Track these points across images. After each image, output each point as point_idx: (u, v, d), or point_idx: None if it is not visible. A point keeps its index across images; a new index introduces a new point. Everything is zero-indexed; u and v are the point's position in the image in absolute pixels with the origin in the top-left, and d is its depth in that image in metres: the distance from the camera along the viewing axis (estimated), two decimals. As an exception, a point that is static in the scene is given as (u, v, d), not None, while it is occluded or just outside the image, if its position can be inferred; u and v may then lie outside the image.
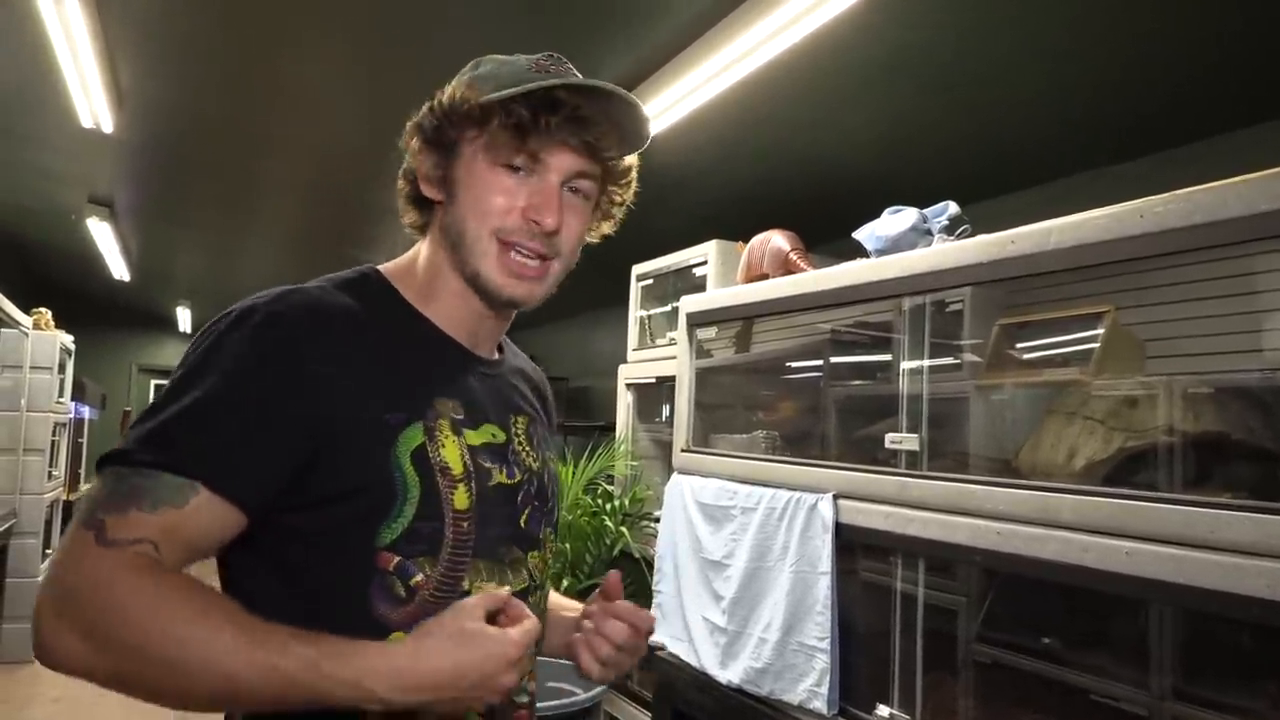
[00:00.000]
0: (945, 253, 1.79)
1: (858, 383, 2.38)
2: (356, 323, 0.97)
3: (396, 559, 0.93)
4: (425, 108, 1.02)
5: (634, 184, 1.13)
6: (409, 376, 0.99)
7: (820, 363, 2.44)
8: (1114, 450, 1.65)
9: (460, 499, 0.97)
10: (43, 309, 5.75)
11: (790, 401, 2.61)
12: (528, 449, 1.11)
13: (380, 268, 1.08)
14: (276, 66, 2.89)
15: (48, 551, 5.64)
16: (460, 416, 1.01)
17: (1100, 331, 1.80)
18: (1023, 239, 1.62)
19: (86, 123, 3.37)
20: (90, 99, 3.13)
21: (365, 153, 3.73)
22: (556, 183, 0.99)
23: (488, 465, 1.02)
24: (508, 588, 0.99)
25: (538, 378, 1.28)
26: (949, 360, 2.12)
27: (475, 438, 1.02)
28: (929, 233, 1.98)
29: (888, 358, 2.13)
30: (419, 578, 0.94)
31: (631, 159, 1.10)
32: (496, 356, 1.14)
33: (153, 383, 10.59)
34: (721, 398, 2.75)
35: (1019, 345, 1.97)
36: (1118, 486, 1.53)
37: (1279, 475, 1.47)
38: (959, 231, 1.98)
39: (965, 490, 1.69)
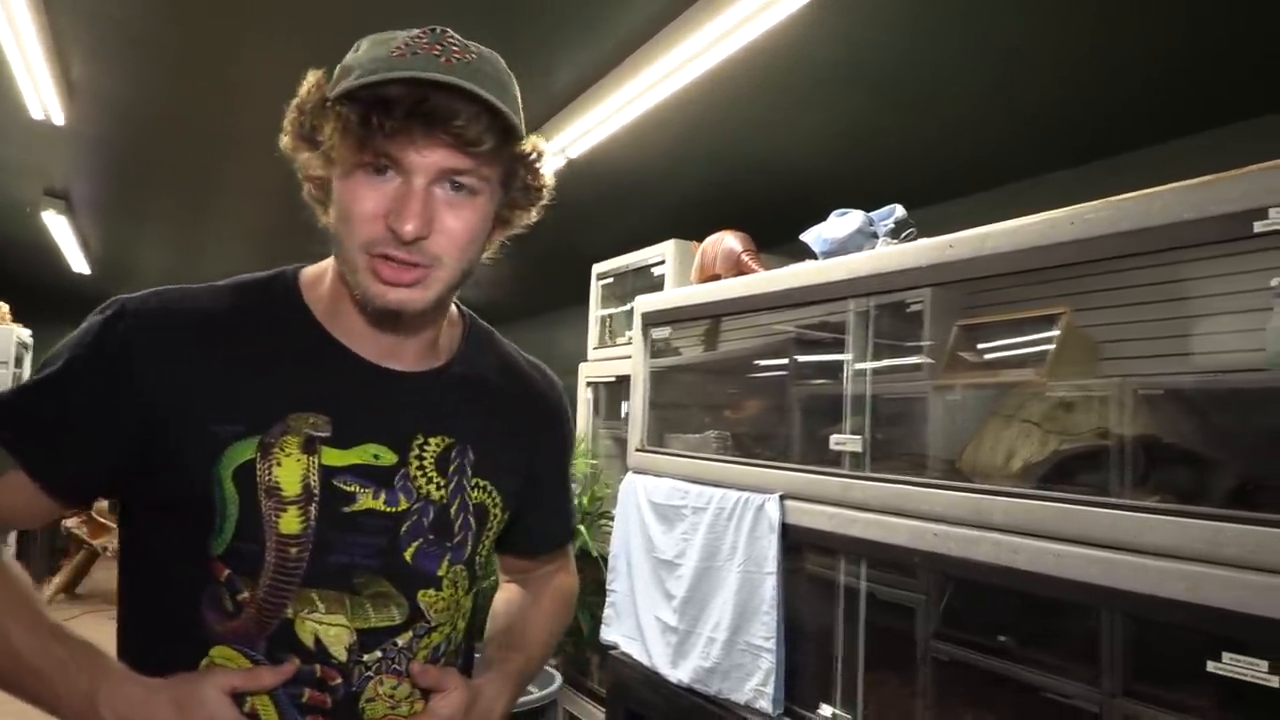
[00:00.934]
0: (887, 256, 1.81)
1: (816, 382, 2.39)
2: (225, 327, 0.94)
3: (227, 572, 0.91)
4: (293, 104, 0.95)
5: (541, 166, 1.01)
6: (266, 388, 0.93)
7: (777, 363, 2.45)
8: (1049, 453, 1.67)
9: (289, 523, 0.91)
10: (-1, 303, 5.68)
11: (744, 402, 2.62)
12: (431, 474, 1.00)
13: (301, 271, 1.04)
14: (233, 65, 2.86)
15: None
16: (323, 434, 0.94)
17: (1055, 333, 1.82)
18: (961, 243, 1.64)
19: (37, 114, 3.32)
20: (39, 91, 3.08)
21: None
22: (421, 184, 0.88)
23: (350, 489, 0.94)
24: (342, 624, 0.93)
25: (527, 390, 1.17)
26: (908, 361, 2.14)
27: (340, 458, 0.94)
28: (875, 235, 2.00)
29: (843, 357, 2.14)
30: (244, 595, 0.91)
31: (535, 140, 0.99)
32: (429, 367, 1.05)
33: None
34: (677, 397, 2.75)
35: (978, 346, 1.99)
36: (1052, 489, 1.56)
37: (1205, 479, 1.49)
38: (904, 234, 2.00)
39: (904, 492, 1.71)
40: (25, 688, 0.87)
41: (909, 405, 2.23)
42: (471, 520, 1.05)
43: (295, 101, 0.94)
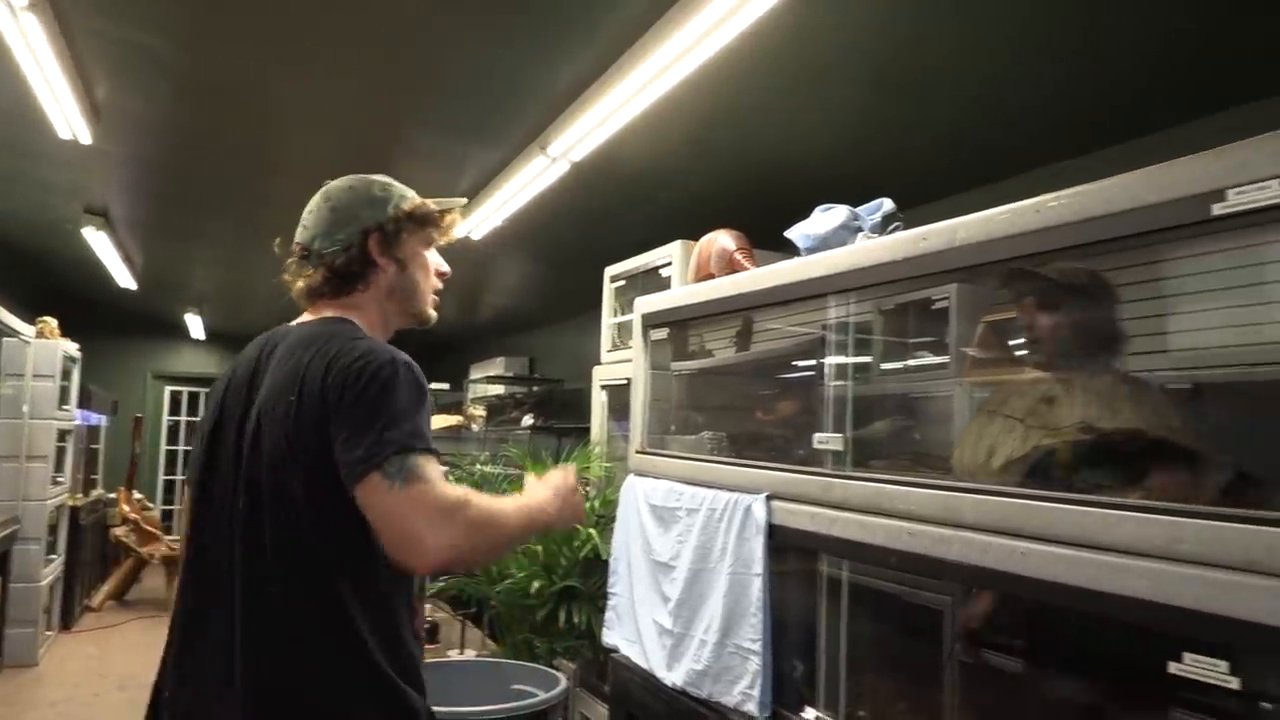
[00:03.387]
0: (865, 250, 1.78)
1: (849, 382, 2.36)
2: None
3: None
4: (386, 217, 1.56)
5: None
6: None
7: (806, 363, 2.42)
8: (1030, 448, 1.62)
9: None
10: (47, 318, 5.84)
11: (743, 403, 2.60)
12: None
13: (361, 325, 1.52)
14: (257, 87, 2.94)
15: (51, 558, 5.73)
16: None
17: None
18: (934, 235, 1.61)
19: (64, 134, 3.42)
20: (64, 112, 3.17)
21: (355, 166, 3.78)
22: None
23: None
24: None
25: None
26: (930, 360, 2.12)
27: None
28: (859, 230, 1.96)
29: (868, 359, 2.11)
30: None
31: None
32: None
33: (167, 389, 10.71)
34: (679, 400, 2.74)
35: (1008, 343, 1.94)
36: (1034, 485, 1.51)
37: (1188, 474, 1.44)
38: (891, 228, 1.96)
39: (882, 490, 1.67)
40: (527, 536, 1.66)
41: (922, 403, 2.20)
42: None
43: (395, 211, 1.58)
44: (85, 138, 3.48)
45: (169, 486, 10.64)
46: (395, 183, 1.61)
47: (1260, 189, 1.12)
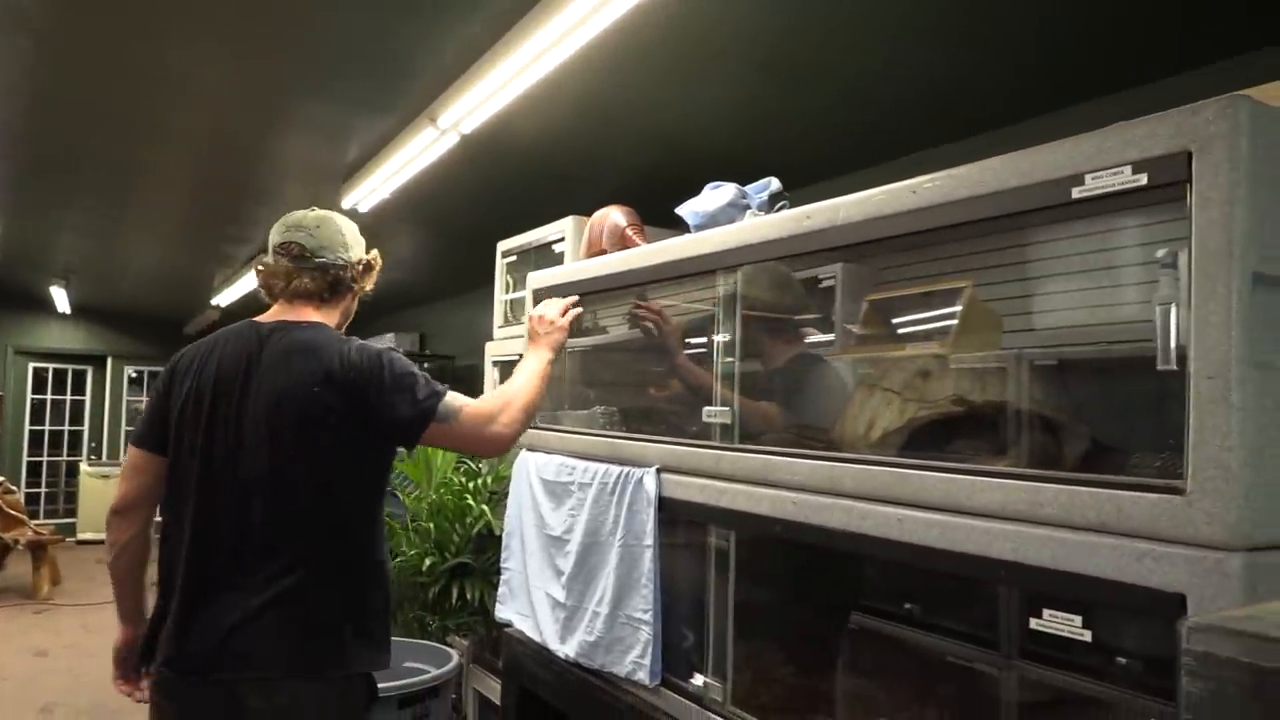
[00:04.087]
0: (752, 228, 1.82)
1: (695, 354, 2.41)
2: None
3: None
4: (369, 256, 2.05)
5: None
6: None
7: (696, 340, 2.45)
8: (906, 420, 1.70)
9: None
10: (-108, 289, 5.45)
11: (629, 378, 2.63)
12: None
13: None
14: (129, 49, 2.79)
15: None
16: None
17: (959, 307, 1.84)
18: (817, 214, 1.65)
19: (-92, 90, 3.18)
20: (-92, 66, 2.95)
21: (234, 134, 3.64)
22: None
23: None
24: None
25: None
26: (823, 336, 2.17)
27: None
28: (747, 208, 2.00)
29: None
30: None
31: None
32: None
33: (31, 365, 10.12)
34: (572, 375, 2.75)
35: (892, 320, 2.00)
36: (910, 455, 1.58)
37: (1056, 444, 1.53)
38: (777, 207, 2.01)
39: (769, 462, 1.72)
40: (547, 384, 2.12)
41: (800, 378, 2.26)
42: None
43: (367, 259, 2.06)
44: (-67, 96, 3.26)
45: (34, 469, 10.09)
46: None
47: (1114, 174, 1.20)
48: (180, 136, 3.82)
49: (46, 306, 9.58)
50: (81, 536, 9.39)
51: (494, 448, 1.92)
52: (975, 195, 1.37)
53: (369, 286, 2.06)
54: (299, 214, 1.95)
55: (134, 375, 11.04)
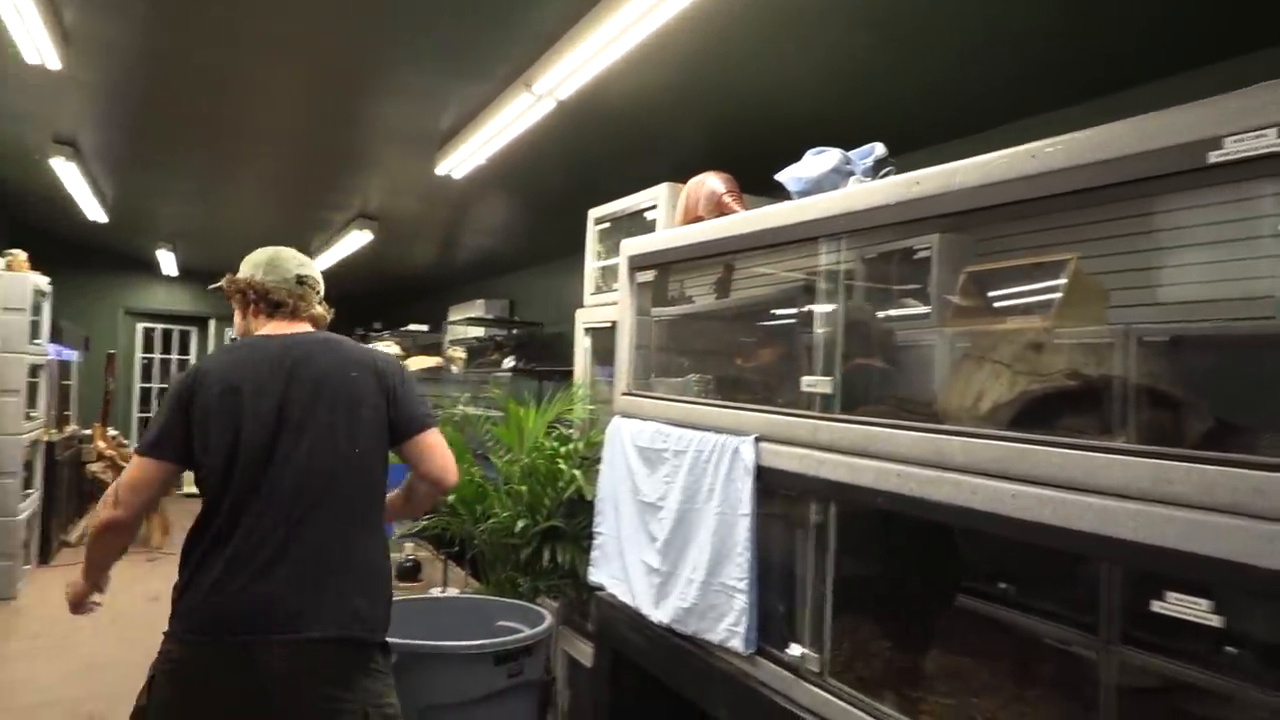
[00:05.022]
0: (856, 194, 1.78)
1: (791, 324, 2.38)
2: None
3: None
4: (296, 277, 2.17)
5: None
6: None
7: (790, 310, 2.44)
8: (1016, 393, 1.65)
9: None
10: (15, 250, 5.73)
11: (730, 347, 2.61)
12: None
13: None
14: (229, 8, 2.85)
15: (27, 492, 5.70)
16: None
17: (1062, 280, 1.78)
18: (928, 180, 1.61)
19: (32, 59, 3.32)
20: (32, 36, 3.08)
21: (331, 98, 3.72)
22: None
23: None
24: None
25: None
26: (912, 311, 2.13)
27: None
28: (851, 174, 1.96)
29: (831, 308, 2.12)
30: None
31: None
32: None
33: (140, 325, 10.58)
34: (665, 342, 2.75)
35: (989, 293, 1.96)
36: (1021, 430, 1.54)
37: (1167, 421, 1.47)
38: (883, 173, 1.96)
39: (871, 433, 1.70)
40: None
41: (905, 351, 2.22)
42: None
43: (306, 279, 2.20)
44: (54, 63, 3.38)
45: (144, 424, 10.57)
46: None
47: (1258, 137, 1.13)
48: (282, 103, 3.91)
49: (154, 269, 9.99)
50: (188, 490, 9.81)
51: (450, 479, 2.08)
52: (1100, 160, 1.31)
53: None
54: (273, 251, 2.20)
55: (234, 336, 11.52)
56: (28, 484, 5.73)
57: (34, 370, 5.79)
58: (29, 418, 5.69)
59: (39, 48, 3.19)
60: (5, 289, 5.44)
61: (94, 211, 6.65)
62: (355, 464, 1.96)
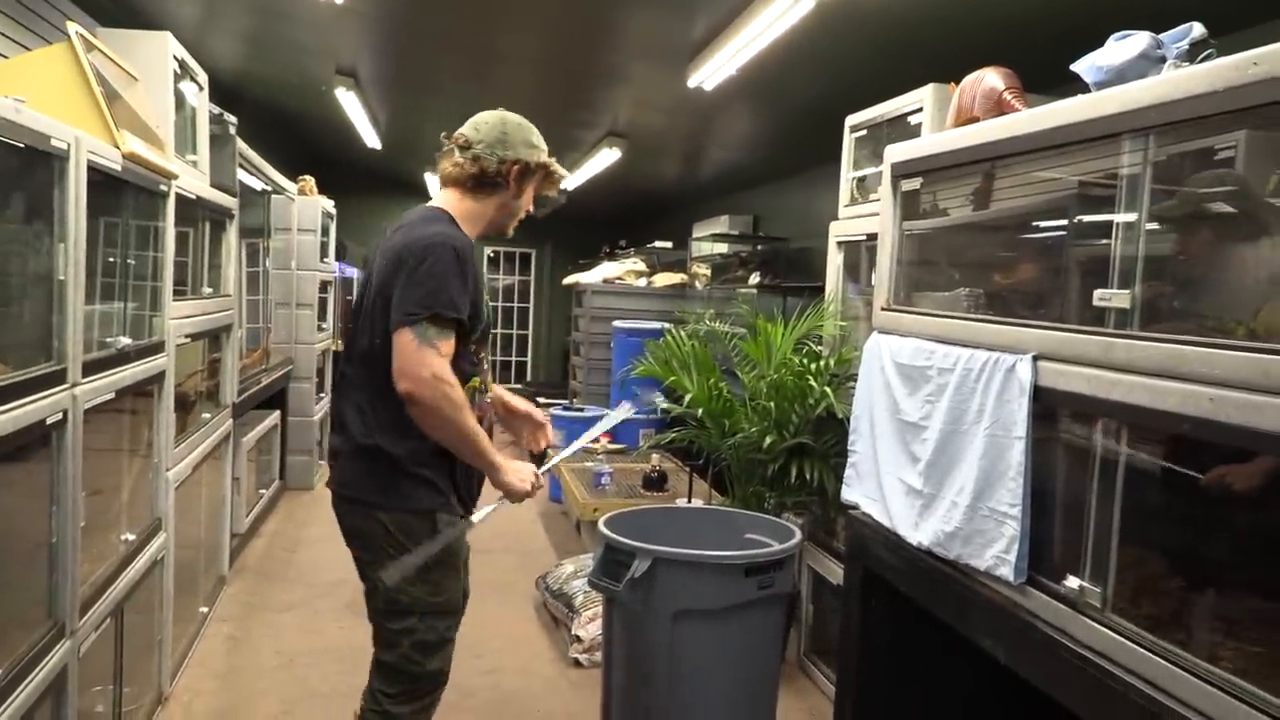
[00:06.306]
0: (1172, 81, 1.56)
1: (1088, 240, 2.17)
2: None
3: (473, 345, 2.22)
4: (533, 160, 2.26)
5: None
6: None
7: (1042, 219, 2.24)
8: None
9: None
10: (307, 176, 6.30)
11: (1004, 260, 2.43)
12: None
13: (448, 211, 2.22)
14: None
15: (320, 396, 6.36)
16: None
17: None
18: (1268, 59, 1.37)
19: (319, -7, 3.57)
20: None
21: (590, 17, 3.77)
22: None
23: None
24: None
25: None
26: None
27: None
28: (1163, 60, 1.73)
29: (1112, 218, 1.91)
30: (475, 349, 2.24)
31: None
32: None
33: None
34: (928, 255, 2.60)
35: None
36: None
37: None
38: (1201, 57, 1.71)
39: (1176, 352, 1.51)
40: (474, 451, 2.12)
41: (1199, 265, 1.97)
42: None
43: (537, 161, 2.28)
44: (338, -2, 3.63)
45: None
46: (543, 141, 2.30)
47: None
48: (534, 21, 3.99)
49: (420, 192, 10.71)
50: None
51: (402, 383, 1.98)
52: None
53: (535, 190, 2.32)
54: (483, 113, 2.26)
55: (492, 255, 12.27)
56: (320, 389, 6.40)
57: (323, 286, 6.40)
58: (320, 329, 6.31)
59: (325, -19, 3.43)
60: (299, 211, 6.01)
61: (370, 138, 7.17)
62: (364, 354, 2.12)
